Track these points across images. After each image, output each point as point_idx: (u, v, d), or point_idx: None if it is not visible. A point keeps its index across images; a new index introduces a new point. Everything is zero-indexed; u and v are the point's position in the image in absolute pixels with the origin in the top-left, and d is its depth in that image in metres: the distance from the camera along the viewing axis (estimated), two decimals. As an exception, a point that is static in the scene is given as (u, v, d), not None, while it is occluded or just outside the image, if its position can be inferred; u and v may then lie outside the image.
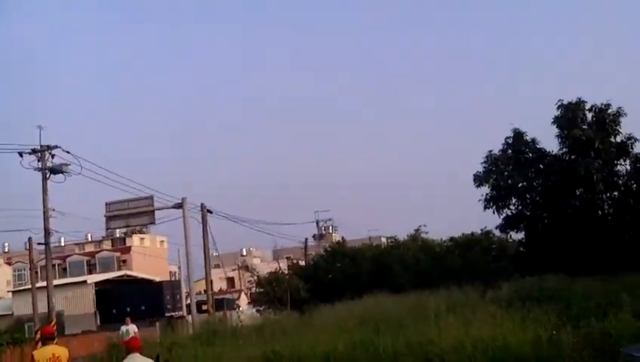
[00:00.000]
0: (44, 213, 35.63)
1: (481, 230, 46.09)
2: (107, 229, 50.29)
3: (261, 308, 46.86)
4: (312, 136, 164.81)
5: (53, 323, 35.01)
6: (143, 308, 55.94)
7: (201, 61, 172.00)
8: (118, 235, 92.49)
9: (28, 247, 45.91)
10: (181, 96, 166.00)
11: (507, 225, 35.88)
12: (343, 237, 69.48)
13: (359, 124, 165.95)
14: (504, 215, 35.53)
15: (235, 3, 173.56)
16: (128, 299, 57.32)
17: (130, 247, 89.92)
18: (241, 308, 57.17)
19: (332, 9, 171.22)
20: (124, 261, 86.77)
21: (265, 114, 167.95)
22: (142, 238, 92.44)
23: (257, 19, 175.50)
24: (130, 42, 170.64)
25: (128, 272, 70.16)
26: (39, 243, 38.96)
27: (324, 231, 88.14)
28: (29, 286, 50.05)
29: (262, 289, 48.84)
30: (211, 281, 46.33)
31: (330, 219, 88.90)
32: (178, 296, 57.82)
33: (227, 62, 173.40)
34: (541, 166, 35.34)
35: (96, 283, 61.17)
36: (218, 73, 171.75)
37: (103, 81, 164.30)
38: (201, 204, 42.07)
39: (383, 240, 72.92)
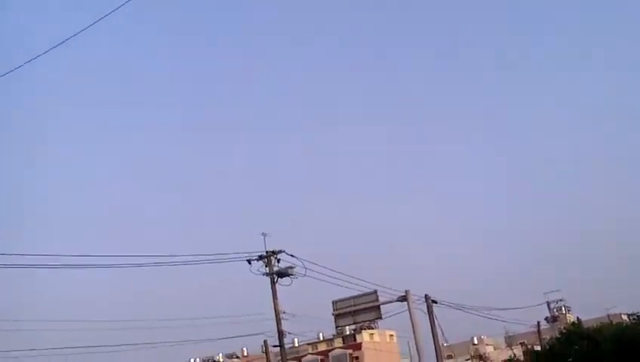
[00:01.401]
0: (275, 315, 36.95)
1: None
2: (336, 327, 51.05)
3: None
4: (532, 217, 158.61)
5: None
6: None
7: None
8: (348, 332, 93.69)
9: (264, 350, 47.62)
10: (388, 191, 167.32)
11: None
12: (577, 318, 65.65)
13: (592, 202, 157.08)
14: None
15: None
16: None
17: (360, 344, 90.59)
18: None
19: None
20: (357, 357, 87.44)
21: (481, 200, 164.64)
22: (371, 334, 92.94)
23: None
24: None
25: (361, 369, 70.63)
26: (274, 346, 40.25)
27: (556, 313, 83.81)
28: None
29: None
30: (444, 373, 45.30)
31: (561, 300, 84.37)
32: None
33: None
34: None
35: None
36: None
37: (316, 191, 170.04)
38: (425, 295, 41.67)
39: (624, 317, 68.05)
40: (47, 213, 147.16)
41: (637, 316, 51.58)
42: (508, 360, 70.57)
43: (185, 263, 36.80)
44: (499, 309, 54.61)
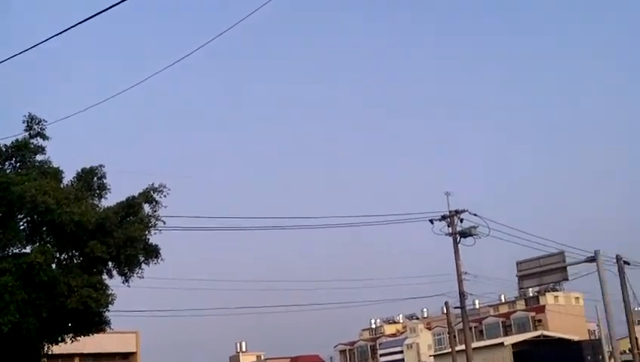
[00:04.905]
0: (457, 276, 36.59)
1: None
2: (520, 289, 50.02)
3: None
4: None
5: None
6: (562, 368, 54.26)
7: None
8: (531, 294, 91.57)
9: (445, 311, 47.44)
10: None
11: None
12: None
13: None
14: None
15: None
16: (547, 360, 56.01)
17: (544, 306, 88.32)
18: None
19: None
20: (539, 320, 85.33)
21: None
22: (555, 296, 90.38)
23: None
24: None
25: (545, 332, 68.78)
26: (455, 307, 39.97)
27: None
28: (449, 350, 51.51)
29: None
30: (636, 339, 43.18)
31: None
32: (600, 356, 54.90)
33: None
34: None
35: (514, 345, 60.90)
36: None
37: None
38: (617, 256, 39.81)
39: None
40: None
41: None
42: None
43: (368, 223, 37.47)
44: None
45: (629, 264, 40.01)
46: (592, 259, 37.79)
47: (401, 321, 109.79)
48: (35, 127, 23.22)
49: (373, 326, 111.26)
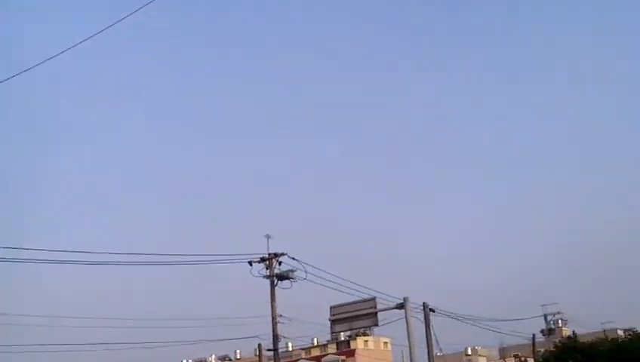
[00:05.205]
0: (272, 319, 36.86)
1: None
2: (332, 333, 50.95)
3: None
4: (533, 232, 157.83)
5: None
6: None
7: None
8: (342, 338, 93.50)
9: (258, 353, 47.57)
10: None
11: None
12: (574, 332, 65.65)
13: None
14: None
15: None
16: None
17: (354, 350, 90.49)
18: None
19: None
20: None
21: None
22: (366, 340, 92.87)
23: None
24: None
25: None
26: (268, 349, 40.16)
27: (553, 326, 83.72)
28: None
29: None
30: (438, 383, 45.23)
31: (559, 313, 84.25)
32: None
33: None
34: None
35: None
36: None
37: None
38: (423, 304, 41.58)
39: (620, 332, 68.15)
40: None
41: (633, 332, 51.59)
42: (501, 372, 70.54)
43: (185, 263, 36.84)
44: (496, 320, 54.47)
45: (434, 311, 41.96)
46: (401, 306, 39.38)
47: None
48: None
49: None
